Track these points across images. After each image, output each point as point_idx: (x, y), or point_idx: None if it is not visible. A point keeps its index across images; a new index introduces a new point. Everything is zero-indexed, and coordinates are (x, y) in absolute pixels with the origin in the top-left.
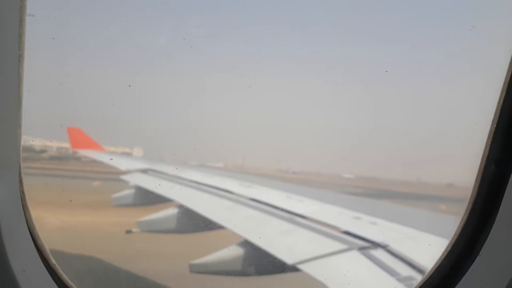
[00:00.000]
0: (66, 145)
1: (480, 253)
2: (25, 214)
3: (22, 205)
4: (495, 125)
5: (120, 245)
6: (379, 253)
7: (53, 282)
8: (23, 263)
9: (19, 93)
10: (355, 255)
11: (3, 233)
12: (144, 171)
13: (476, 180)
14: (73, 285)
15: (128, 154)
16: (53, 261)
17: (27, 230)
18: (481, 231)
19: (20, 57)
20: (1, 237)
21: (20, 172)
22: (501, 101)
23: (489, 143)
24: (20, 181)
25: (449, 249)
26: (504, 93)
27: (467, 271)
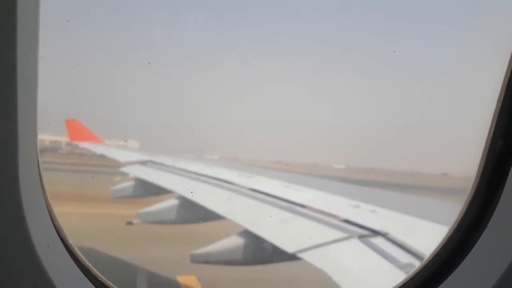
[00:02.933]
0: (60, 138)
1: (488, 226)
2: (44, 197)
3: (41, 189)
4: (500, 103)
5: (120, 237)
6: (378, 241)
7: (72, 260)
8: (46, 240)
9: (35, 86)
10: (355, 243)
11: (26, 214)
12: (144, 162)
13: (480, 160)
14: (90, 264)
15: (126, 147)
16: (70, 241)
17: (47, 211)
18: (488, 207)
19: (36, 50)
20: (24, 216)
21: (38, 161)
22: (506, 80)
23: (495, 119)
24: (39, 167)
25: (454, 227)
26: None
27: (472, 247)
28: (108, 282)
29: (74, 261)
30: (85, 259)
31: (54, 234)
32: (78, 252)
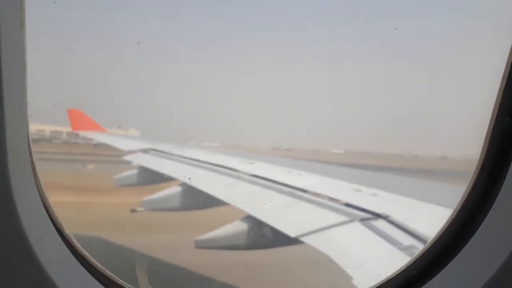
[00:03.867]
0: (61, 128)
1: (494, 206)
2: (37, 187)
3: (34, 179)
4: (505, 80)
5: (125, 224)
6: (380, 224)
7: (68, 250)
8: (38, 231)
9: (24, 75)
10: (357, 226)
11: (18, 204)
12: (146, 150)
13: (485, 140)
14: (87, 254)
15: (128, 136)
16: (66, 231)
17: (40, 201)
18: (492, 188)
19: (22, 39)
20: (16, 206)
21: (30, 150)
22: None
23: (500, 97)
24: (31, 157)
25: (458, 209)
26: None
27: (477, 229)
28: (106, 271)
29: (71, 251)
30: (82, 248)
31: (49, 225)
32: (75, 242)
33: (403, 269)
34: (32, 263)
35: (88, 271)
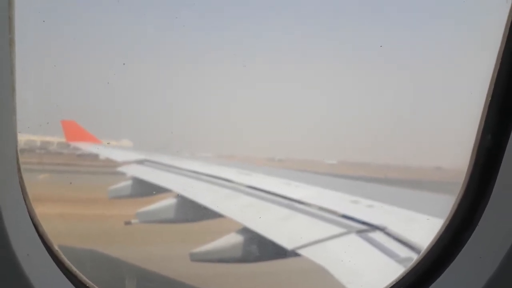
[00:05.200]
0: (53, 139)
1: (479, 223)
2: (25, 202)
3: (22, 193)
4: (490, 96)
5: (119, 237)
6: (377, 236)
7: (56, 267)
8: (26, 248)
9: (12, 84)
10: (353, 238)
11: (5, 220)
12: (140, 162)
13: (472, 153)
14: (76, 270)
15: (121, 147)
16: (55, 247)
17: (29, 217)
18: (478, 203)
19: (10, 42)
20: (3, 223)
21: (18, 163)
22: (496, 70)
23: (485, 114)
24: (19, 170)
25: (447, 223)
26: (500, 58)
27: (466, 242)
28: (95, 287)
29: (60, 268)
30: (71, 265)
31: (37, 241)
32: (64, 258)
33: (398, 280)
34: (20, 282)
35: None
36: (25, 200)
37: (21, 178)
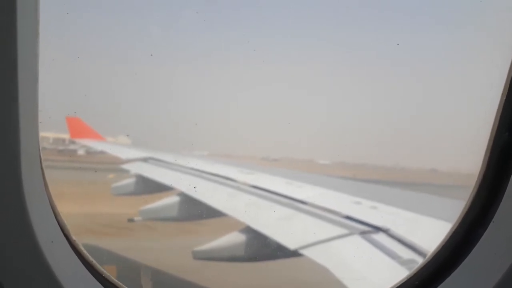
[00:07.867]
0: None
1: (493, 220)
2: (47, 196)
3: (45, 187)
4: (505, 95)
5: (122, 234)
6: (380, 237)
7: (75, 255)
8: (49, 238)
9: (36, 81)
10: (356, 239)
11: (30, 212)
12: (145, 159)
13: (486, 151)
14: (93, 260)
15: (123, 144)
16: (73, 237)
17: (51, 209)
18: (493, 201)
19: (36, 45)
20: (28, 215)
21: (40, 159)
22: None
23: (500, 112)
24: (41, 166)
25: (460, 219)
26: None
27: (477, 242)
28: (112, 278)
29: (78, 257)
30: (88, 255)
31: (58, 231)
32: (82, 248)
33: (403, 281)
34: (42, 268)
35: (96, 278)
36: (46, 193)
37: (42, 172)
